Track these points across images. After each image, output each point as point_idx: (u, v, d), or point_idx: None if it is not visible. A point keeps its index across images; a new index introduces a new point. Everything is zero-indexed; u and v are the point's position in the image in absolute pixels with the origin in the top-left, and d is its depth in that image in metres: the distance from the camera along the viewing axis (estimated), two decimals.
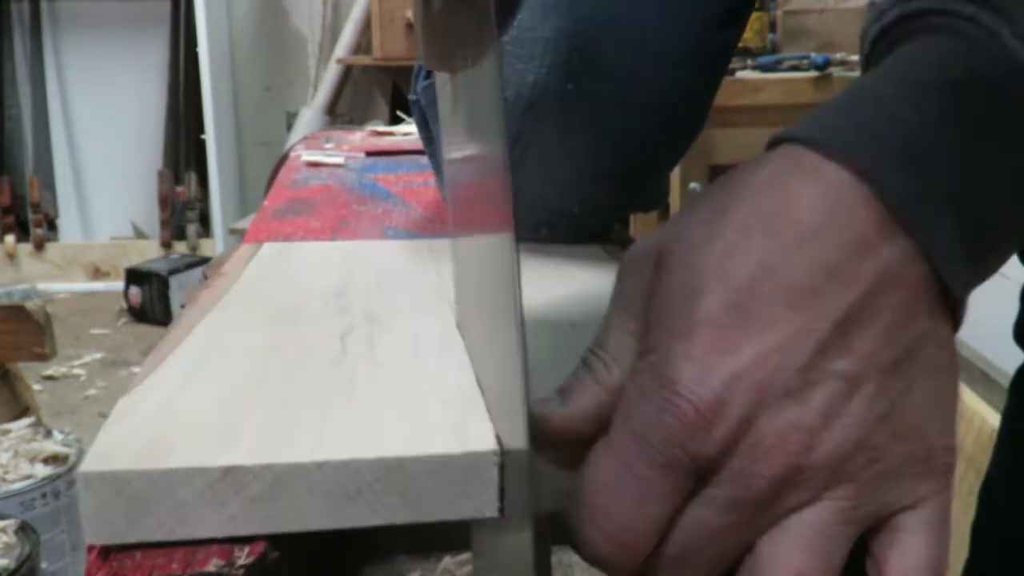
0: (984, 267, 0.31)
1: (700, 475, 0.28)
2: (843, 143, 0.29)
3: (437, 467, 0.29)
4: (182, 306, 0.46)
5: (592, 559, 0.28)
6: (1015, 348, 0.60)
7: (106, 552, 0.28)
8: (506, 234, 0.30)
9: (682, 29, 0.51)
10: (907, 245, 0.28)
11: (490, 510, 0.30)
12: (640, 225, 1.87)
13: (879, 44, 0.34)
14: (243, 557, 0.28)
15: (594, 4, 0.49)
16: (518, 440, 0.29)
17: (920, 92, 0.29)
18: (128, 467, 0.28)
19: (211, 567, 0.28)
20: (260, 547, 0.28)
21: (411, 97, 0.58)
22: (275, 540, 0.29)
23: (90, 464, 0.28)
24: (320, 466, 0.29)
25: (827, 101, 0.31)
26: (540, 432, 0.30)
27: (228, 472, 0.28)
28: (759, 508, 0.28)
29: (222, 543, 0.29)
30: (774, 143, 0.31)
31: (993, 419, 1.20)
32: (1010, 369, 0.61)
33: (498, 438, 0.30)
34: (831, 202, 0.28)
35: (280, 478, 0.28)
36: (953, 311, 0.30)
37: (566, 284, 0.50)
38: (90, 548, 0.28)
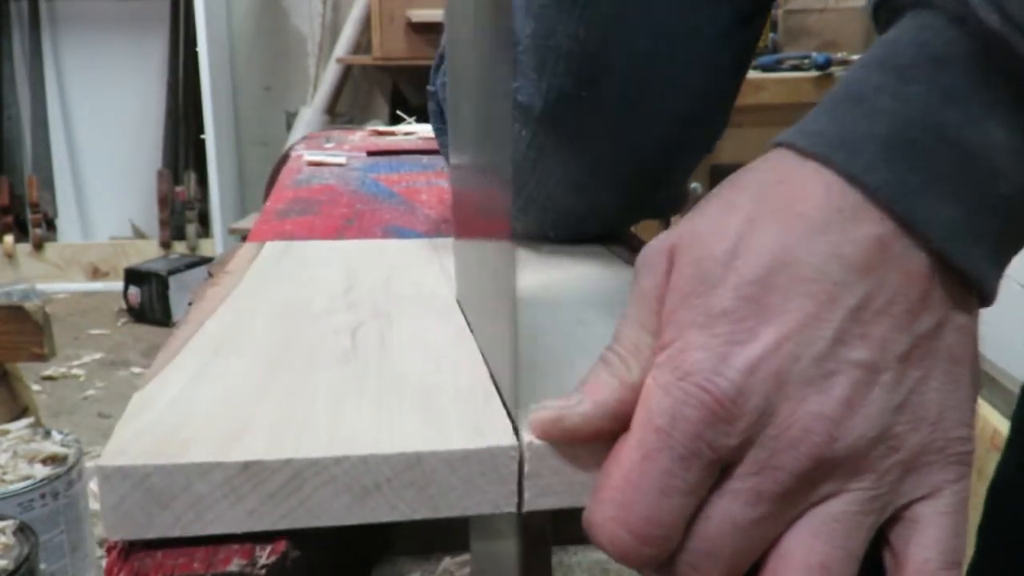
0: (1007, 240, 0.30)
1: (724, 467, 0.28)
2: (827, 148, 0.29)
3: (456, 462, 0.29)
4: (189, 303, 0.46)
5: (617, 555, 0.28)
6: (1021, 352, 0.60)
7: (126, 552, 0.28)
8: (506, 243, 0.31)
9: (696, 32, 0.50)
10: (909, 234, 0.28)
11: (508, 505, 0.30)
12: (641, 227, 1.86)
13: (878, 22, 0.34)
14: (265, 557, 0.28)
15: (605, 11, 0.48)
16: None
17: (900, 79, 0.29)
18: (146, 461, 0.28)
19: (233, 567, 0.27)
20: (282, 546, 0.28)
21: (429, 88, 0.57)
22: (297, 539, 0.29)
23: (108, 458, 0.28)
24: (339, 461, 0.28)
25: (821, 101, 0.31)
26: (561, 429, 0.30)
27: (247, 467, 0.28)
28: (784, 501, 0.27)
29: (244, 543, 0.28)
30: (775, 146, 0.31)
31: (996, 421, 1.20)
32: (1016, 372, 0.61)
33: (516, 432, 0.30)
34: (835, 201, 0.29)
35: (299, 473, 0.28)
36: (980, 292, 0.29)
37: (573, 283, 0.50)
38: (109, 549, 0.28)
